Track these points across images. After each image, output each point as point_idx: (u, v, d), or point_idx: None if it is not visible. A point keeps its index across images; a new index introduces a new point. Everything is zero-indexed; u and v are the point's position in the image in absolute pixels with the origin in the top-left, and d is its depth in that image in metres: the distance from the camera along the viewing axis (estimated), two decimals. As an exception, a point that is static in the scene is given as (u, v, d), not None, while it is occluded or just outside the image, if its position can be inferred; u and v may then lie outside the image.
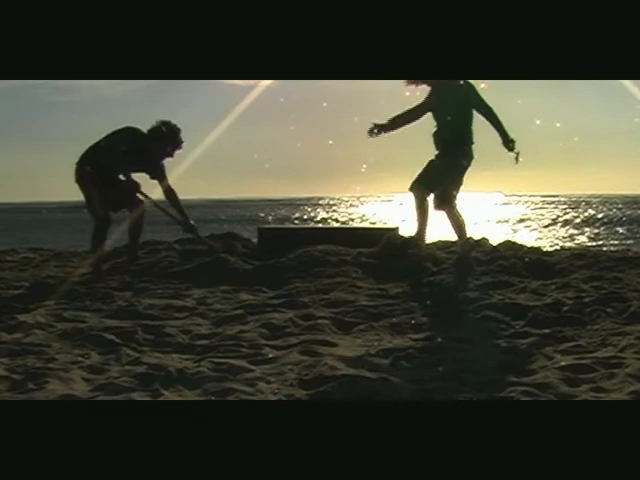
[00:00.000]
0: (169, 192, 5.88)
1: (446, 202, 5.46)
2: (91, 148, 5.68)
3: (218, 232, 7.44)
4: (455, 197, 5.51)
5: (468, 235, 6.14)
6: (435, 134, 5.53)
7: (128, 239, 5.99)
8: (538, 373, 2.84)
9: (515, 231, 22.20)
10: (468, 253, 5.64)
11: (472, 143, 5.50)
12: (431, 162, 5.57)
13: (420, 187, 5.55)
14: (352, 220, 30.60)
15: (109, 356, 3.18)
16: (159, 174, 5.87)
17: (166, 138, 5.75)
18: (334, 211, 42.52)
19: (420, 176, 5.57)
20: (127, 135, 5.69)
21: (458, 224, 5.57)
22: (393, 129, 5.54)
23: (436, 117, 5.51)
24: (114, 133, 5.68)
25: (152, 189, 5.91)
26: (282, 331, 3.67)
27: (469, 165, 5.50)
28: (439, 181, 5.44)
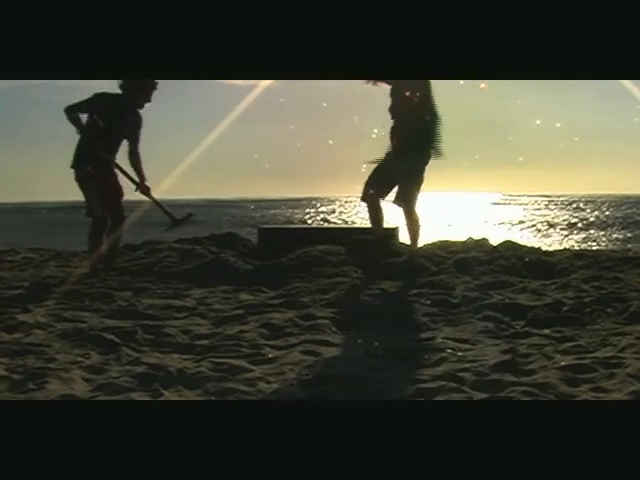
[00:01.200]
0: (136, 157, 5.76)
1: (406, 201, 5.47)
2: (80, 146, 5.62)
3: (218, 232, 7.44)
4: (416, 197, 5.51)
5: (468, 237, 6.10)
6: (393, 131, 5.50)
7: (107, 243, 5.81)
8: (538, 373, 2.84)
9: (515, 231, 22.20)
10: (417, 256, 5.61)
11: (435, 141, 5.46)
12: (380, 167, 5.54)
13: (374, 192, 5.53)
14: (347, 220, 30.63)
15: (109, 356, 3.18)
16: (136, 133, 5.77)
17: (139, 81, 5.62)
18: (334, 211, 42.50)
19: (373, 180, 5.54)
20: (100, 102, 5.59)
21: (414, 225, 5.55)
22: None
23: (395, 115, 5.50)
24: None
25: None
26: (282, 331, 3.67)
27: (427, 163, 5.48)
28: (400, 180, 5.44)
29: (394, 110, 5.49)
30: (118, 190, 5.72)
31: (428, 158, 5.46)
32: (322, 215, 36.08)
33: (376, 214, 5.64)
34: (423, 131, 5.42)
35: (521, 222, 28.22)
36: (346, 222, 28.10)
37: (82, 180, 5.63)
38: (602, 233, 20.94)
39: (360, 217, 31.29)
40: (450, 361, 3.06)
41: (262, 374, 2.88)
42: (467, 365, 2.95)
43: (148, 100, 5.75)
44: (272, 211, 41.20)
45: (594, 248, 10.68)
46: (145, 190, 5.78)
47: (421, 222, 5.59)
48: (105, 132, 5.58)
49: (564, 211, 38.37)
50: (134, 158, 5.77)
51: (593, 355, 3.10)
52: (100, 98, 5.61)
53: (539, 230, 23.54)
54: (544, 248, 6.99)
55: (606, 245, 15.43)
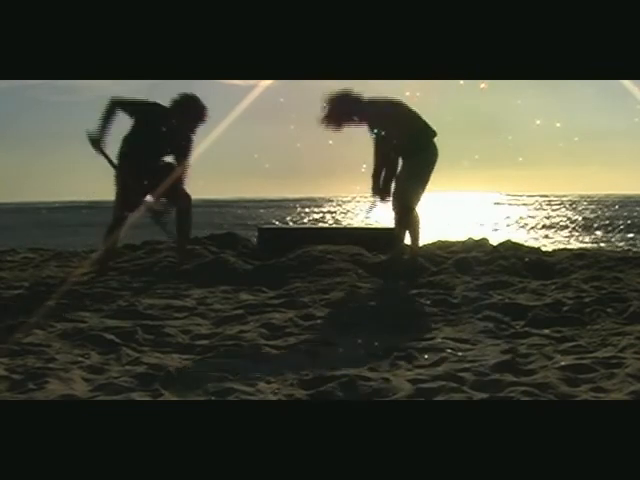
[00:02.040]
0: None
1: (410, 204, 5.43)
2: (125, 142, 5.54)
3: (218, 232, 7.44)
4: (419, 197, 5.46)
5: (468, 236, 6.04)
6: (395, 150, 5.45)
7: (177, 234, 5.83)
8: (538, 373, 2.84)
9: (515, 231, 22.19)
10: (417, 255, 5.60)
11: (434, 136, 5.42)
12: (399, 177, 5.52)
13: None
14: (347, 220, 30.66)
15: (109, 356, 3.18)
16: (185, 154, 5.63)
17: (187, 109, 5.56)
18: (334, 211, 42.50)
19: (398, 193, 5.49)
20: (151, 116, 5.51)
21: (415, 225, 5.52)
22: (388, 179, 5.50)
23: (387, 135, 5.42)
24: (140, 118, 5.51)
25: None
26: (282, 331, 3.67)
27: (436, 161, 5.43)
28: (408, 184, 5.39)
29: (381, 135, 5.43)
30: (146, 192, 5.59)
31: (434, 156, 5.43)
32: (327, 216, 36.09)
33: (413, 220, 5.60)
34: (414, 135, 5.38)
35: (521, 222, 28.22)
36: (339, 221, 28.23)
37: (116, 177, 5.59)
38: (602, 233, 20.94)
39: (358, 217, 31.33)
40: (450, 361, 3.06)
41: (262, 374, 2.88)
42: (467, 365, 2.95)
43: (192, 131, 5.64)
44: (263, 210, 41.19)
45: (594, 248, 10.68)
46: (158, 214, 5.69)
47: (422, 222, 5.58)
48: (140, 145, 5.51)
49: (564, 211, 38.37)
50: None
51: (593, 355, 3.10)
52: (151, 107, 5.55)
53: (539, 230, 23.54)
54: (544, 248, 7.00)
55: (606, 245, 15.43)
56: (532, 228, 24.66)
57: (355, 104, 5.39)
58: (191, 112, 5.59)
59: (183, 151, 5.64)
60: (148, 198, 5.58)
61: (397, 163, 5.48)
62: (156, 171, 5.54)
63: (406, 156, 5.43)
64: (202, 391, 2.65)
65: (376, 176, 5.46)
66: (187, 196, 5.72)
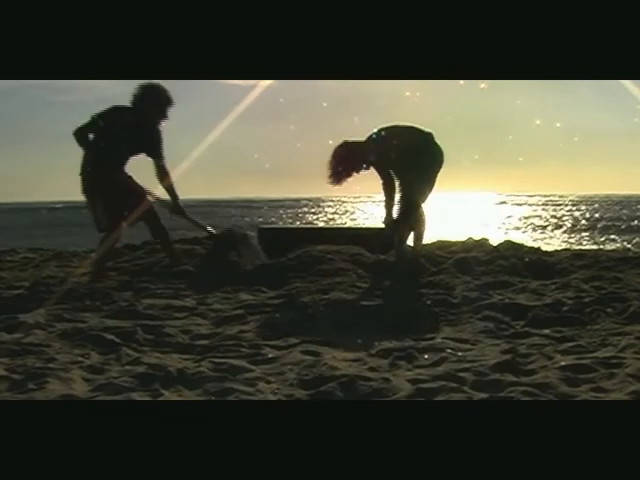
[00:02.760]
0: (162, 172, 5.45)
1: (416, 201, 5.43)
2: (89, 153, 5.34)
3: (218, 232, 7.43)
4: (425, 198, 5.47)
5: (466, 238, 6.01)
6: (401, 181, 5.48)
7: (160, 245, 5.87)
8: (538, 373, 2.84)
9: (515, 231, 22.20)
10: (419, 255, 5.60)
11: (431, 137, 5.42)
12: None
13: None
14: (344, 220, 30.67)
15: (109, 356, 3.18)
16: (157, 147, 5.47)
17: (148, 98, 5.45)
18: (333, 212, 42.50)
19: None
20: (117, 117, 5.38)
21: (419, 224, 5.52)
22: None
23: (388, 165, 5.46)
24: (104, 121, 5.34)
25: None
26: (282, 331, 3.67)
27: (442, 161, 5.44)
28: (414, 183, 5.39)
29: (385, 166, 5.45)
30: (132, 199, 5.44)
31: (440, 157, 5.43)
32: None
33: (418, 219, 5.59)
34: (411, 151, 5.38)
35: (521, 222, 28.21)
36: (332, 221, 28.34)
37: (88, 190, 5.40)
38: (602, 233, 20.94)
39: (358, 217, 31.34)
40: (450, 361, 3.06)
41: (262, 374, 2.88)
42: (467, 365, 2.95)
43: (165, 117, 5.53)
44: (263, 210, 41.21)
45: (594, 248, 10.68)
46: (179, 211, 5.62)
47: (427, 222, 5.58)
48: (111, 145, 5.34)
49: (564, 211, 38.36)
50: (161, 175, 5.47)
51: (593, 355, 3.10)
52: (110, 112, 5.42)
53: (539, 230, 23.54)
54: (544, 248, 7.00)
55: (606, 245, 15.44)
56: (532, 228, 24.65)
57: (354, 153, 5.44)
58: (154, 100, 5.47)
59: (154, 146, 5.45)
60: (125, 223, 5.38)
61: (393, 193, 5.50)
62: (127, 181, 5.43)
63: (411, 165, 5.42)
64: (202, 391, 2.65)
65: (389, 206, 5.49)
66: (155, 214, 5.59)
